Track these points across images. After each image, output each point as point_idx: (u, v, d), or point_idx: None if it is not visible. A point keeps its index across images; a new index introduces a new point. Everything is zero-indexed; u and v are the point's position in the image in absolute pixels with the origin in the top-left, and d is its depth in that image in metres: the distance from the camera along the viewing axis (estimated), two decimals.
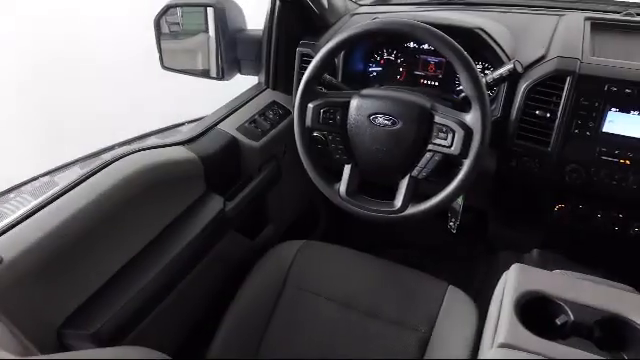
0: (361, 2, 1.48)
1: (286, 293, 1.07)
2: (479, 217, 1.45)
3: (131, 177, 0.91)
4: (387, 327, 1.00)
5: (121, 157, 0.94)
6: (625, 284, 0.83)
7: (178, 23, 1.41)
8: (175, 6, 1.31)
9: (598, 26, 1.17)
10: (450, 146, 0.88)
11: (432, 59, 1.20)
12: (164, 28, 1.39)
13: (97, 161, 0.94)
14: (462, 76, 0.86)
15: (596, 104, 0.96)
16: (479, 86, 0.85)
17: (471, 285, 1.34)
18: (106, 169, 0.91)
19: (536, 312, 0.74)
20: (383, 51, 1.24)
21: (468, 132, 0.86)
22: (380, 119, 0.92)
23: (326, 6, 1.18)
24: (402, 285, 1.07)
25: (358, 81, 1.22)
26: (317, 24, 1.25)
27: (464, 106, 0.89)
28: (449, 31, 1.06)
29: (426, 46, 1.19)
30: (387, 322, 1.01)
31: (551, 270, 1.17)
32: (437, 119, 0.89)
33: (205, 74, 1.38)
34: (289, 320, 1.03)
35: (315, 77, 0.96)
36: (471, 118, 0.86)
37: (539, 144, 1.00)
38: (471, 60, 0.86)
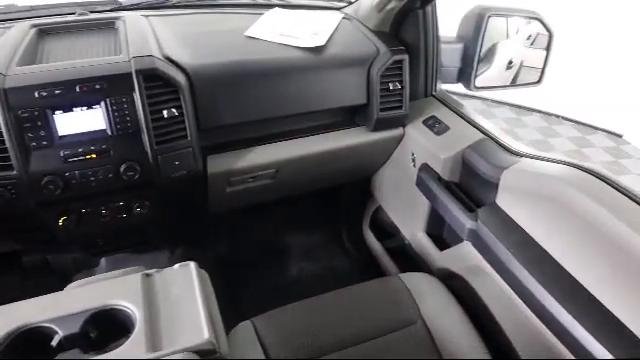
0: None
1: None
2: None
3: None
4: None
5: None
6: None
7: None
8: None
9: (47, 31, 1.15)
10: None
11: None
12: None
13: None
14: None
15: (36, 113, 0.93)
16: None
17: None
18: None
19: (34, 346, 0.68)
20: None
21: None
22: None
23: None
24: None
25: None
26: None
27: None
28: None
29: None
30: None
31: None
32: None
33: None
34: None
35: None
36: None
37: (2, 170, 0.93)
38: None
